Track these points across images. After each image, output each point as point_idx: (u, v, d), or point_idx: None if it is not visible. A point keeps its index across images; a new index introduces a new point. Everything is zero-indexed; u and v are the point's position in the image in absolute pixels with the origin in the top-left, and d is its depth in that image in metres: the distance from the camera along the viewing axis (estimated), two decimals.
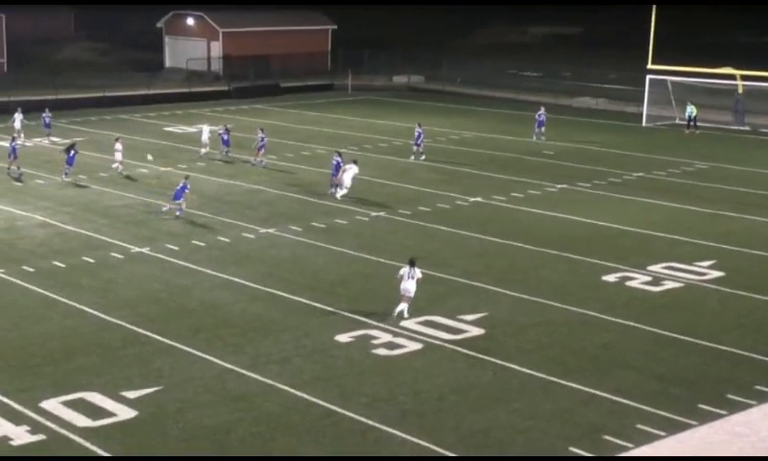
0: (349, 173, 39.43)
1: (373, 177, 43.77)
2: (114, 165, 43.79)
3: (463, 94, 73.92)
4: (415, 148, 48.05)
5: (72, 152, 42.78)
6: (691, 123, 56.88)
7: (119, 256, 31.21)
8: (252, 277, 29.18)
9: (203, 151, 48.61)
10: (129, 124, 59.81)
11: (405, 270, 25.59)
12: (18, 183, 41.84)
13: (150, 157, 43.51)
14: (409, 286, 25.36)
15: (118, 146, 44.06)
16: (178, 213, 35.95)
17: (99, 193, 40.31)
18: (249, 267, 30.22)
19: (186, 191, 36.26)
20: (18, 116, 53.67)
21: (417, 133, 48.08)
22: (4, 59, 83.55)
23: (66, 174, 42.43)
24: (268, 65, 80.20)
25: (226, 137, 48.53)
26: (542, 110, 53.61)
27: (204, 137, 48.81)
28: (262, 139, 45.94)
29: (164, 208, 36.66)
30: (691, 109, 57.13)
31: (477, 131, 51.89)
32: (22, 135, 52.37)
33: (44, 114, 54.46)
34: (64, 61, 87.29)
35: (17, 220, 35.73)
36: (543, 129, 52.49)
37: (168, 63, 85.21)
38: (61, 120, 60.07)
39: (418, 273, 25.54)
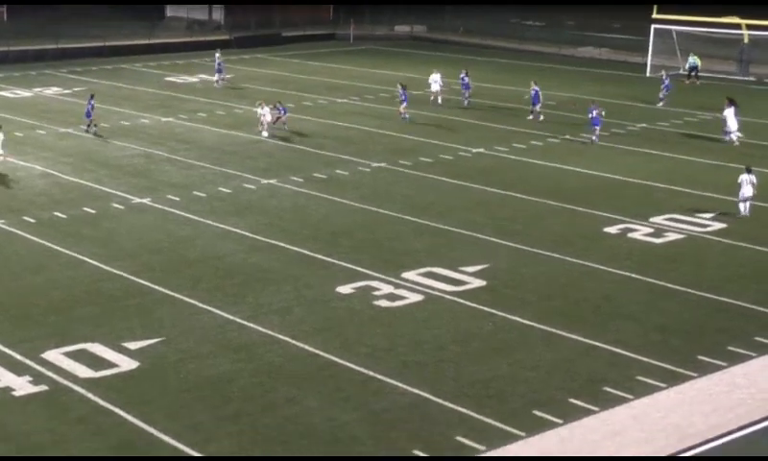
0: None
1: (375, 127, 43.59)
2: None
3: (465, 44, 73.39)
4: (466, 92, 48.42)
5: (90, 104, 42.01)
6: (692, 73, 56.38)
7: (120, 207, 31.18)
8: (252, 227, 29.15)
9: (439, 99, 48.76)
10: (129, 73, 59.50)
11: (744, 176, 30.12)
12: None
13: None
14: (746, 192, 30.02)
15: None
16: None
17: (100, 143, 40.18)
18: (249, 218, 30.19)
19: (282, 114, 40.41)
20: (218, 56, 55.41)
21: (462, 79, 48.78)
22: (3, 7, 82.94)
23: (89, 126, 41.85)
24: (269, 14, 79.61)
25: (466, 80, 48.68)
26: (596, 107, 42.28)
27: (435, 86, 48.91)
28: (403, 93, 44.75)
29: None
30: (693, 60, 56.61)
31: (479, 81, 51.50)
32: (225, 76, 55.05)
33: (217, 58, 55.22)
34: (65, 11, 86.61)
35: (18, 170, 35.63)
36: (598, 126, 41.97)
37: (169, 13, 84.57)
38: (62, 70, 59.83)
39: (753, 178, 30.05)
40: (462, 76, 49.28)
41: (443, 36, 76.58)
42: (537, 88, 45.35)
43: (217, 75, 54.72)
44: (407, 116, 44.20)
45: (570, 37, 72.72)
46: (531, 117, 45.07)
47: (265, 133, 41.01)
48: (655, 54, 60.30)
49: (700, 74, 56.61)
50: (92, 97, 42.96)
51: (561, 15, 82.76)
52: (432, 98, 48.94)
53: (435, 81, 49.33)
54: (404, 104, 44.35)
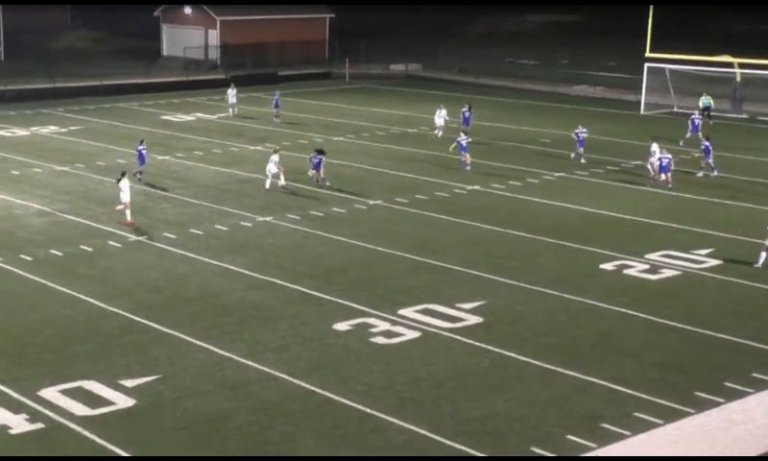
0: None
1: (371, 165, 43.75)
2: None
3: (460, 82, 73.82)
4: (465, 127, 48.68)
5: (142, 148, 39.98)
6: (705, 112, 55.30)
7: (117, 245, 31.20)
8: (249, 265, 29.18)
9: (439, 134, 49.59)
10: (126, 112, 59.71)
11: None
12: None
13: None
14: None
15: None
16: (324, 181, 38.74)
17: (96, 182, 40.24)
18: (246, 255, 30.22)
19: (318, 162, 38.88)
20: (232, 92, 58.17)
21: (464, 114, 50.16)
22: (1, 48, 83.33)
23: (140, 174, 39.81)
24: (265, 54, 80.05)
25: (467, 115, 50.33)
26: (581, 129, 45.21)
27: (440, 121, 49.93)
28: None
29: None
30: (707, 100, 55.57)
31: (475, 119, 51.74)
32: (236, 110, 57.84)
33: (275, 96, 57.18)
34: (61, 51, 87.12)
35: (15, 209, 35.69)
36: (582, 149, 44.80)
37: (165, 52, 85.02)
38: (59, 108, 60.04)
39: None
40: (464, 110, 50.33)
41: (438, 74, 77.02)
42: (584, 131, 44.72)
43: (275, 110, 56.28)
44: (468, 168, 42.26)
45: (565, 76, 73.19)
46: (574, 156, 44.29)
47: (282, 182, 38.66)
48: (649, 92, 60.69)
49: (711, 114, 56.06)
50: (142, 142, 40.55)
51: (555, 54, 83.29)
52: (435, 131, 49.44)
53: (440, 116, 49.94)
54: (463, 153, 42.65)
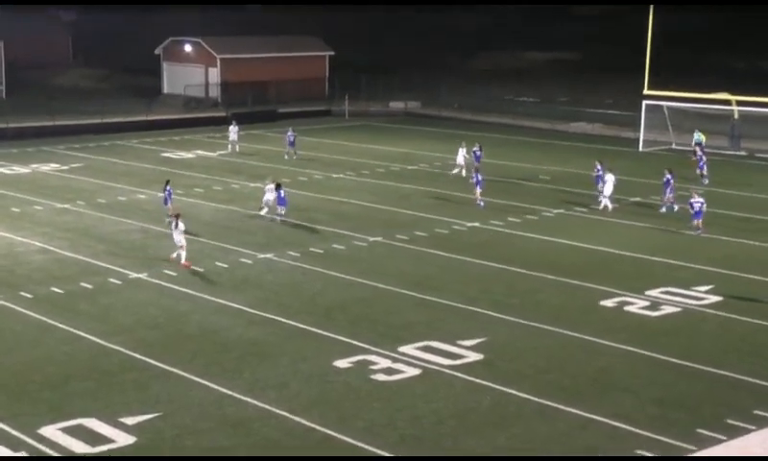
0: None
1: (371, 202, 43.85)
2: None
3: (460, 119, 74.09)
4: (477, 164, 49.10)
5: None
6: (698, 148, 55.60)
7: (117, 282, 31.22)
8: (249, 302, 29.18)
9: (455, 171, 49.83)
10: (126, 150, 59.91)
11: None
12: (16, 211, 41.67)
13: None
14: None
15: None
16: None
17: (97, 219, 40.33)
18: (246, 292, 30.23)
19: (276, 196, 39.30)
20: (234, 128, 58.89)
21: (475, 153, 50.47)
22: (2, 85, 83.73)
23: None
24: (265, 91, 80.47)
25: (479, 154, 50.40)
26: None
27: (460, 160, 50.03)
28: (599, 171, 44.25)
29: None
30: (698, 136, 56.30)
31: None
32: (237, 147, 58.37)
33: (288, 133, 57.35)
34: (62, 87, 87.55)
35: (16, 246, 35.74)
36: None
37: (166, 90, 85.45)
38: (59, 146, 60.23)
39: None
40: (475, 150, 50.62)
41: (437, 111, 77.38)
42: (670, 176, 41.87)
43: (290, 147, 56.62)
44: (481, 204, 42.51)
45: (563, 113, 73.53)
46: (609, 206, 42.14)
47: (264, 211, 40.25)
48: (647, 129, 60.95)
49: (705, 150, 56.36)
50: (168, 183, 40.16)
51: (554, 92, 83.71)
52: (456, 170, 49.61)
53: (462, 154, 50.37)
54: (477, 188, 42.92)
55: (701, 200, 38.21)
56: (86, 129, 66.68)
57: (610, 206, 41.73)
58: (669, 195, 41.84)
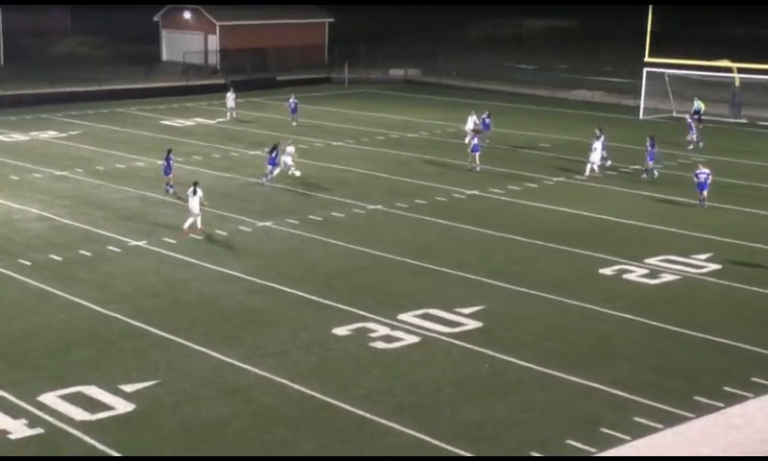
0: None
1: (370, 170, 43.77)
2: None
3: (459, 87, 73.87)
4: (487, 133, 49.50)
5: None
6: (696, 116, 55.65)
7: (116, 250, 31.20)
8: (249, 270, 29.18)
9: (467, 138, 48.73)
10: (125, 117, 59.72)
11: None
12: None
13: None
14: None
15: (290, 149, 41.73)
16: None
17: (95, 186, 40.26)
18: (246, 260, 30.22)
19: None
20: (231, 95, 58.81)
21: (484, 120, 50.58)
22: (0, 53, 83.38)
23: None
24: (265, 59, 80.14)
25: (487, 121, 50.64)
26: None
27: (470, 125, 50.09)
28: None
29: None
30: (698, 104, 56.43)
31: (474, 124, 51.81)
32: (234, 114, 58.29)
33: (291, 100, 57.64)
34: (60, 55, 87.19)
35: (14, 213, 35.68)
36: None
37: (165, 57, 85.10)
38: (58, 113, 60.04)
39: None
40: (483, 117, 50.62)
41: (437, 79, 77.09)
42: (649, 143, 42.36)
43: (292, 114, 56.75)
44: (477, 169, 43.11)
45: (563, 81, 73.25)
46: (596, 169, 42.64)
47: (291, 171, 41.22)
48: (648, 96, 60.74)
49: (704, 118, 56.36)
50: (170, 152, 39.51)
51: (553, 59, 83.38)
52: (468, 138, 49.21)
53: (471, 121, 50.39)
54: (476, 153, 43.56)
55: (706, 171, 37.29)
56: (85, 96, 66.41)
57: (596, 169, 42.10)
58: (649, 162, 42.06)
